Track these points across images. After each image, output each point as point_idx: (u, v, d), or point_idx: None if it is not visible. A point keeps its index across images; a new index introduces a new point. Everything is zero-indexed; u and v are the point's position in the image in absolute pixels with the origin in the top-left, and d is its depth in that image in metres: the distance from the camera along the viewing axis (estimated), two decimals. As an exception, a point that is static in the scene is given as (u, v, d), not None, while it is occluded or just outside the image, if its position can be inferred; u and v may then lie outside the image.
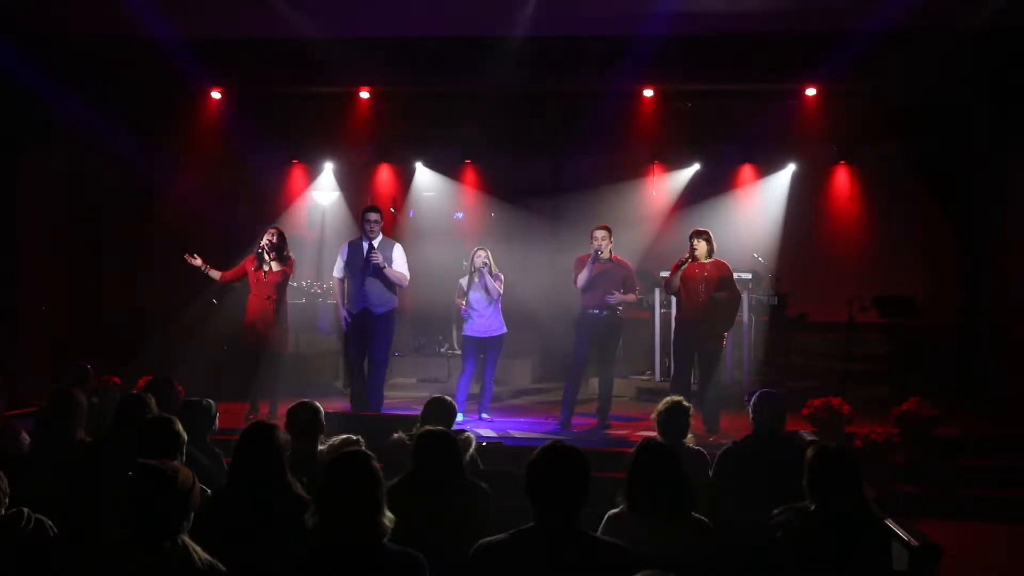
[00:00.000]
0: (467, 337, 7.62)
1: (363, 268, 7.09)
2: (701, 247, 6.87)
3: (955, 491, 6.07)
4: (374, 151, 10.23)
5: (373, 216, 7.11)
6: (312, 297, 9.54)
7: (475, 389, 7.78)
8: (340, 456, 2.80)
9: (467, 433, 4.34)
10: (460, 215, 10.66)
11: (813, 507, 3.25)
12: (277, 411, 6.98)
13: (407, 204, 10.50)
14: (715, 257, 6.94)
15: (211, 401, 4.51)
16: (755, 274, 8.78)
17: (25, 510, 2.96)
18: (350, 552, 2.58)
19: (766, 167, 10.04)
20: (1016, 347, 8.47)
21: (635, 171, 10.20)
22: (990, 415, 7.74)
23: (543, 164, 10.47)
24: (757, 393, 4.56)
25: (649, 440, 3.63)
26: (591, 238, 7.07)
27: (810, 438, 5.61)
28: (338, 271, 7.33)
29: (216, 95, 9.22)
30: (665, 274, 7.58)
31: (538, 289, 8.93)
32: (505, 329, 7.60)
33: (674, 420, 4.44)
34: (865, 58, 7.59)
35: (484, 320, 7.52)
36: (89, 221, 9.66)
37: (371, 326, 7.12)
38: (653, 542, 2.97)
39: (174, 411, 4.17)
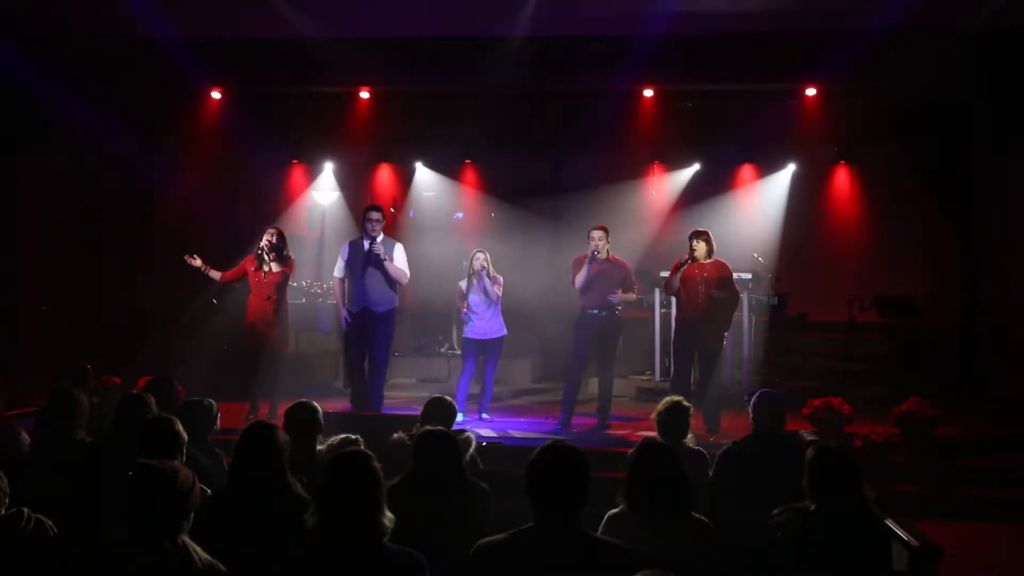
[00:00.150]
0: (467, 339, 7.63)
1: (364, 266, 7.09)
2: (700, 247, 6.87)
3: (955, 491, 6.07)
4: (374, 151, 10.23)
5: (375, 215, 7.10)
6: (312, 297, 9.54)
7: (475, 389, 7.78)
8: (340, 456, 2.80)
9: (467, 433, 4.34)
10: (460, 215, 10.66)
11: (813, 507, 3.25)
12: (277, 411, 6.98)
13: (407, 204, 10.50)
14: (715, 257, 6.95)
15: (212, 401, 4.51)
16: (755, 274, 8.78)
17: (25, 510, 2.96)
18: (350, 552, 2.58)
19: (766, 167, 10.04)
20: (1016, 347, 8.47)
21: (635, 171, 10.20)
22: (990, 415, 7.74)
23: (543, 164, 10.47)
24: (757, 393, 4.56)
25: (649, 440, 3.63)
26: (588, 238, 7.08)
27: (810, 438, 5.61)
28: (339, 271, 7.33)
29: (216, 95, 9.22)
30: (665, 274, 7.58)
31: (538, 289, 8.93)
32: (505, 331, 7.60)
33: (674, 420, 4.44)
34: (865, 58, 7.59)
35: (484, 322, 7.52)
36: (89, 221, 9.67)
37: (371, 325, 7.12)
38: (653, 542, 2.97)
39: (174, 411, 4.17)
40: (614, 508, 3.20)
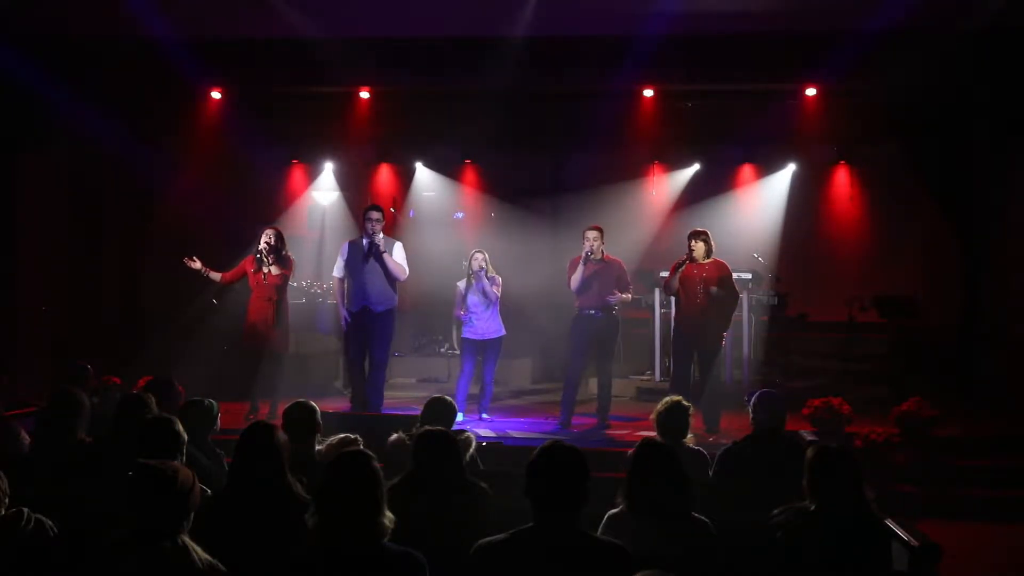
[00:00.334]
0: (465, 339, 7.63)
1: (363, 265, 7.09)
2: (699, 248, 6.87)
3: (955, 491, 6.06)
4: (374, 151, 10.24)
5: (375, 215, 7.09)
6: (312, 297, 9.54)
7: (475, 389, 7.78)
8: (340, 456, 2.80)
9: (467, 433, 4.34)
10: (460, 215, 10.66)
11: (813, 507, 3.25)
12: (277, 411, 6.96)
13: (407, 204, 10.50)
14: (714, 257, 6.95)
15: (213, 401, 4.50)
16: (755, 274, 8.78)
17: (25, 510, 2.96)
18: (350, 552, 2.58)
19: (766, 167, 10.04)
20: (1016, 347, 8.47)
21: (635, 171, 10.21)
22: (990, 415, 7.74)
23: (543, 164, 10.48)
24: (757, 393, 4.57)
25: (649, 440, 3.62)
26: (583, 239, 7.08)
27: (810, 438, 5.62)
28: (338, 271, 7.32)
29: (216, 95, 9.22)
30: (665, 274, 7.58)
31: (538, 289, 8.93)
32: (504, 331, 7.60)
33: (674, 420, 4.44)
34: (865, 58, 7.59)
35: (482, 323, 7.52)
36: (89, 221, 9.66)
37: (371, 324, 7.12)
38: (653, 542, 2.97)
39: (174, 411, 4.17)
40: (614, 508, 3.20)
